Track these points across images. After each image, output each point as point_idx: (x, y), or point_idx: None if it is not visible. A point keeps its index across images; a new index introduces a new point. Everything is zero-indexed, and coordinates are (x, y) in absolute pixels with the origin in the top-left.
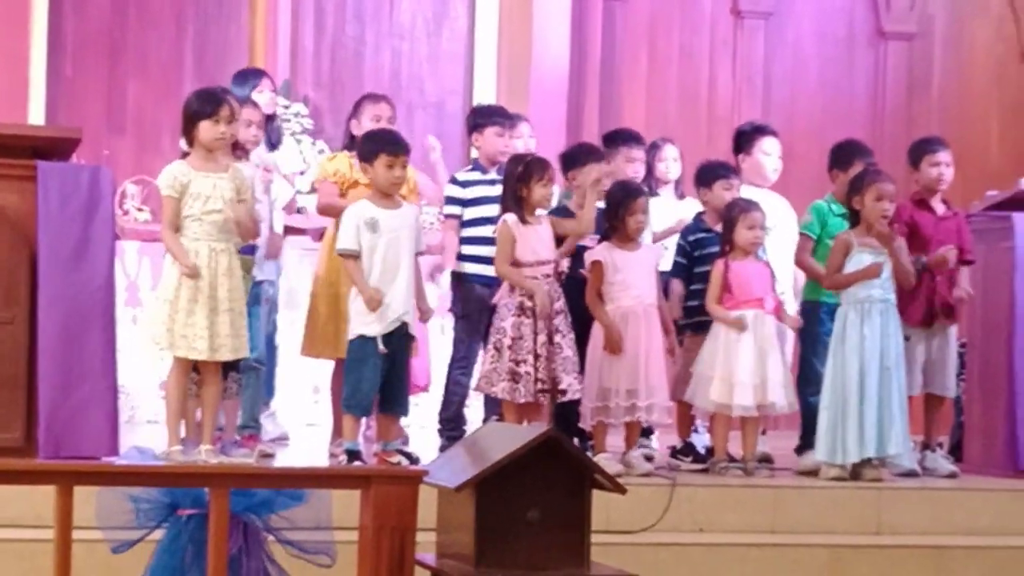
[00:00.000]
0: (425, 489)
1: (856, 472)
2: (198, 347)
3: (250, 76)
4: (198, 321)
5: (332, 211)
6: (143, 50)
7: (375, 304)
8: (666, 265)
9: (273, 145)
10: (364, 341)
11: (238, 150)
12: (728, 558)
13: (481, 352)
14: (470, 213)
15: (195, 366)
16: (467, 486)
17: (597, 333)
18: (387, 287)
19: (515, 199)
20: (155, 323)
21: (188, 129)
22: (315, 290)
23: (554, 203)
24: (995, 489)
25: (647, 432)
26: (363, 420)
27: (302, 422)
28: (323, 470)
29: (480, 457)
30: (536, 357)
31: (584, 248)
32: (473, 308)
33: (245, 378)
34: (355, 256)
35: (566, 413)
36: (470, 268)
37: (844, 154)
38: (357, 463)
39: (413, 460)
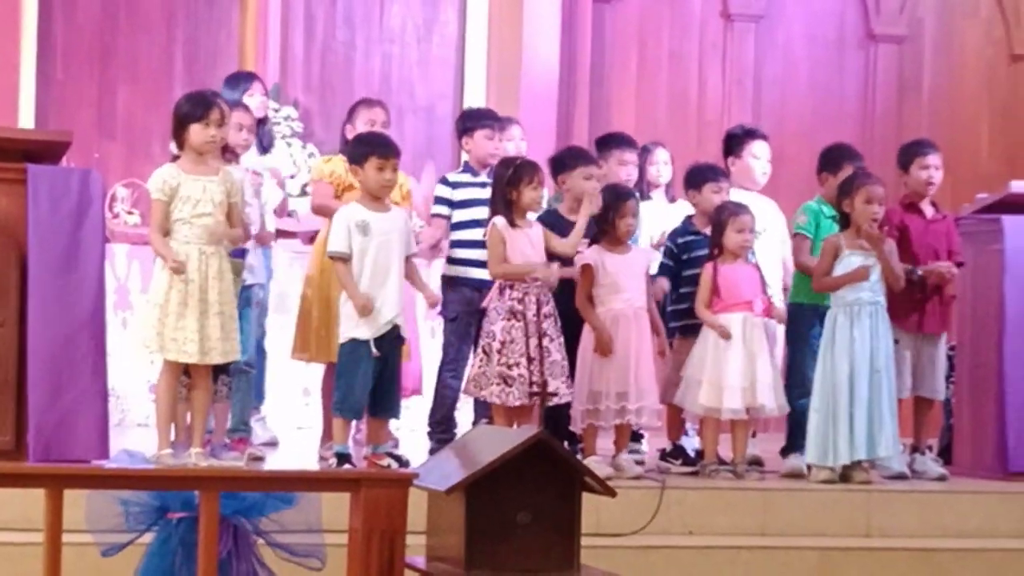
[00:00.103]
0: (415, 492)
1: (846, 475)
2: (188, 350)
3: (241, 80)
4: (188, 324)
5: (326, 212)
6: (133, 54)
7: (366, 312)
8: (653, 268)
9: (265, 148)
10: (356, 344)
11: (228, 153)
12: (718, 560)
13: (471, 355)
14: (459, 215)
15: (185, 369)
16: (457, 489)
17: (587, 336)
18: (378, 290)
19: (504, 202)
20: (145, 326)
21: (178, 132)
22: (307, 293)
23: (544, 206)
24: (984, 491)
25: (637, 436)
26: (353, 423)
27: (292, 425)
28: (313, 473)
29: (470, 460)
30: (529, 360)
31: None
32: (463, 311)
33: (235, 381)
34: (346, 259)
35: (556, 416)
36: (460, 271)
37: (833, 157)
38: (347, 466)
39: (403, 463)
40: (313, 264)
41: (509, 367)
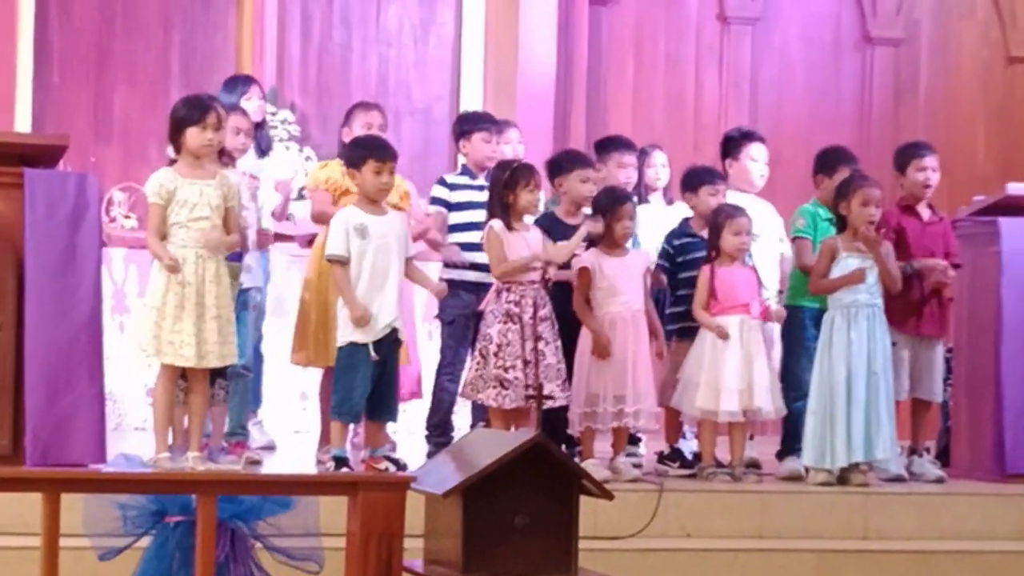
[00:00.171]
0: (412, 495)
1: (843, 477)
2: (185, 354)
3: (239, 83)
4: (185, 328)
5: (326, 218)
6: (130, 57)
7: (363, 323)
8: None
9: (263, 152)
10: (354, 348)
11: (224, 157)
12: (716, 563)
13: (468, 358)
14: (456, 218)
15: (183, 373)
16: (454, 492)
17: (585, 339)
18: (376, 294)
19: (501, 205)
20: (142, 330)
21: (175, 136)
22: (305, 296)
23: (541, 209)
24: (982, 494)
25: (635, 439)
26: (351, 427)
27: (290, 429)
28: (310, 477)
29: (467, 463)
30: (525, 363)
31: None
32: (459, 314)
33: (232, 385)
34: (344, 262)
35: (553, 419)
36: (456, 274)
37: (829, 160)
38: (344, 470)
39: (400, 466)
40: (312, 267)
41: (505, 370)
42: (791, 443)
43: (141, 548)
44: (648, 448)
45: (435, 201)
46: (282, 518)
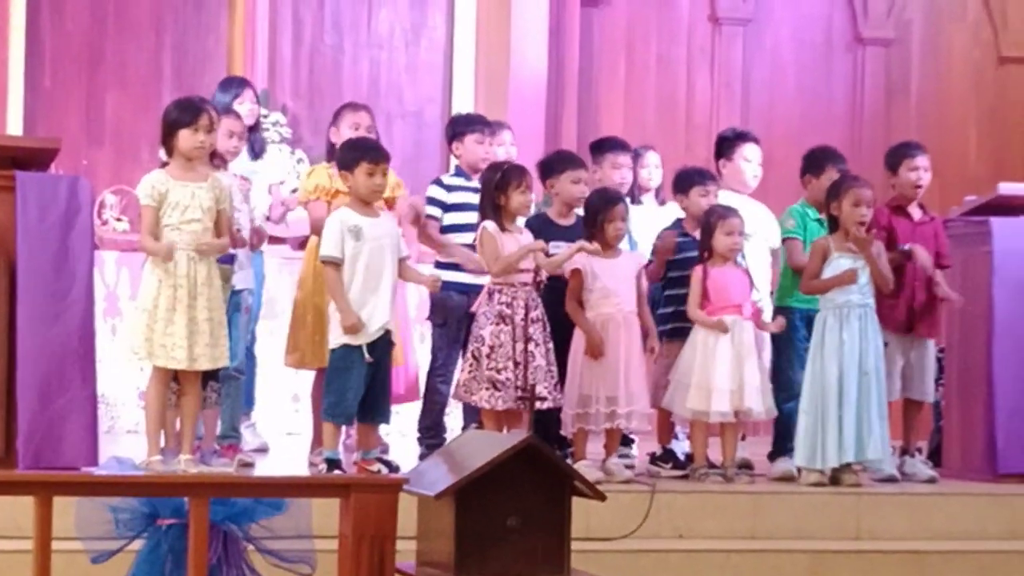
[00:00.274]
0: (405, 497)
1: (835, 477)
2: (177, 356)
3: (233, 85)
4: (177, 331)
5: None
6: (122, 60)
7: (355, 331)
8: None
9: (256, 155)
10: (348, 350)
11: (216, 159)
12: (708, 564)
13: (460, 360)
14: (450, 219)
15: (174, 376)
16: (447, 494)
17: (578, 340)
18: (370, 296)
19: (493, 207)
20: (134, 333)
21: (167, 138)
22: (299, 296)
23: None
24: (974, 494)
25: (627, 441)
26: (343, 429)
27: (282, 431)
28: (303, 479)
29: (460, 465)
30: (516, 364)
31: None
32: (451, 316)
33: (225, 387)
34: (338, 264)
35: (545, 420)
36: (448, 276)
37: (817, 160)
38: (337, 472)
39: (393, 468)
40: (305, 269)
41: (498, 371)
42: (783, 444)
43: (134, 551)
44: (640, 449)
45: (432, 202)
46: (275, 520)
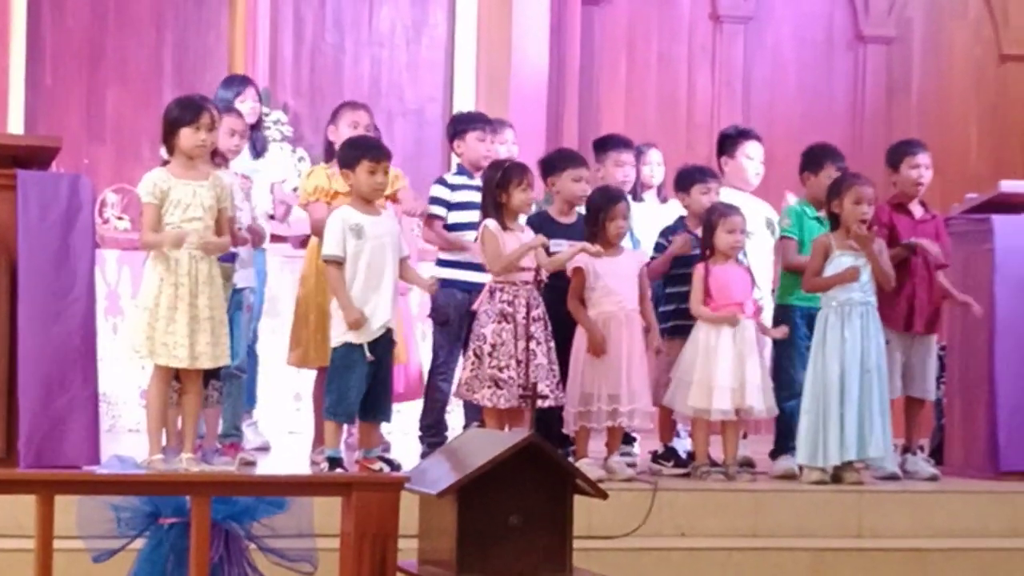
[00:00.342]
0: (407, 496)
1: (837, 475)
2: (179, 355)
3: (235, 83)
4: (179, 329)
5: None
6: (122, 58)
7: (358, 326)
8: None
9: (258, 153)
10: (350, 348)
11: (217, 158)
12: (710, 562)
13: (461, 359)
14: (456, 217)
15: (176, 374)
16: (449, 492)
17: (580, 338)
18: (371, 294)
19: (495, 205)
20: (135, 331)
21: (168, 137)
22: (301, 296)
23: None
24: (976, 491)
25: (629, 439)
26: (344, 427)
27: (284, 430)
28: (304, 477)
29: (461, 463)
30: (518, 363)
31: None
32: (453, 314)
33: (226, 386)
34: (339, 263)
35: (547, 419)
36: (450, 274)
37: (815, 157)
38: (338, 470)
39: (394, 467)
40: (307, 267)
41: (500, 370)
42: (784, 442)
43: (135, 550)
44: (642, 447)
45: (435, 201)
46: (276, 519)
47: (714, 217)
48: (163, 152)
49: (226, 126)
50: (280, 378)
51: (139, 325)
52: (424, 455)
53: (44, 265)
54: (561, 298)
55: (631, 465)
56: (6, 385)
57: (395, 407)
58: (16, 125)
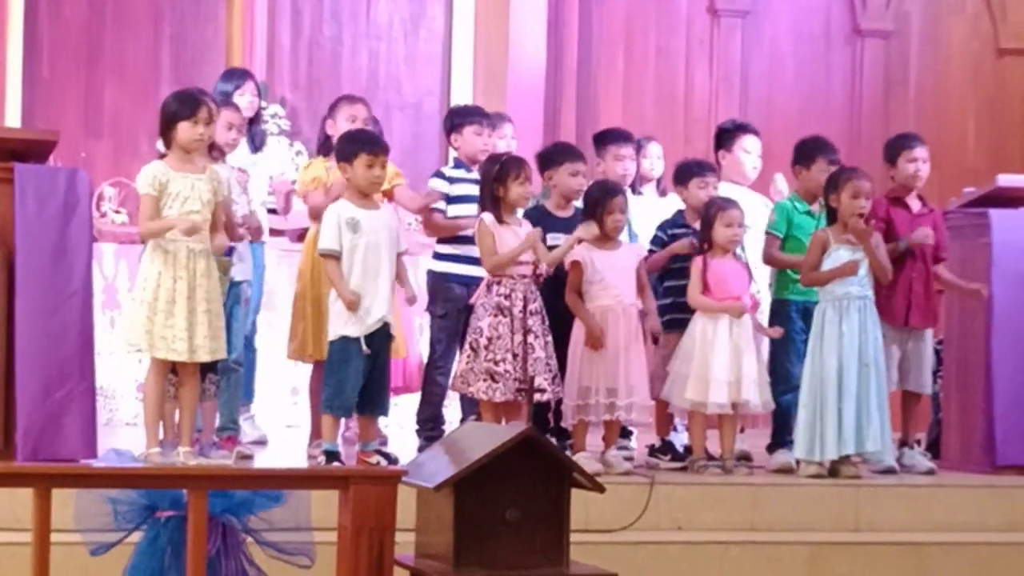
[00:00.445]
0: (404, 489)
1: (834, 469)
2: (177, 348)
3: (235, 76)
4: (177, 323)
5: (323, 211)
6: (120, 52)
7: (354, 308)
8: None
9: (256, 148)
10: (346, 342)
11: (215, 151)
12: (707, 556)
13: (459, 352)
14: (453, 211)
15: (173, 368)
16: (446, 486)
17: (578, 331)
18: (368, 288)
19: (492, 199)
20: (134, 325)
21: (166, 130)
22: (298, 289)
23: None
24: (973, 485)
25: (626, 433)
26: (341, 421)
27: (281, 424)
28: (302, 471)
29: (459, 457)
30: (514, 356)
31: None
32: (451, 308)
33: (223, 379)
34: (336, 256)
35: (544, 412)
36: (448, 267)
37: (807, 150)
38: (336, 464)
39: (392, 460)
40: (304, 260)
41: (496, 363)
42: (781, 436)
43: (132, 543)
44: (639, 441)
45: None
46: (273, 512)
47: (712, 211)
48: (160, 145)
49: (224, 120)
50: (277, 372)
51: (138, 318)
52: (421, 448)
53: (41, 259)
54: (558, 292)
55: (628, 459)
56: (3, 378)
57: (393, 400)
58: (13, 119)
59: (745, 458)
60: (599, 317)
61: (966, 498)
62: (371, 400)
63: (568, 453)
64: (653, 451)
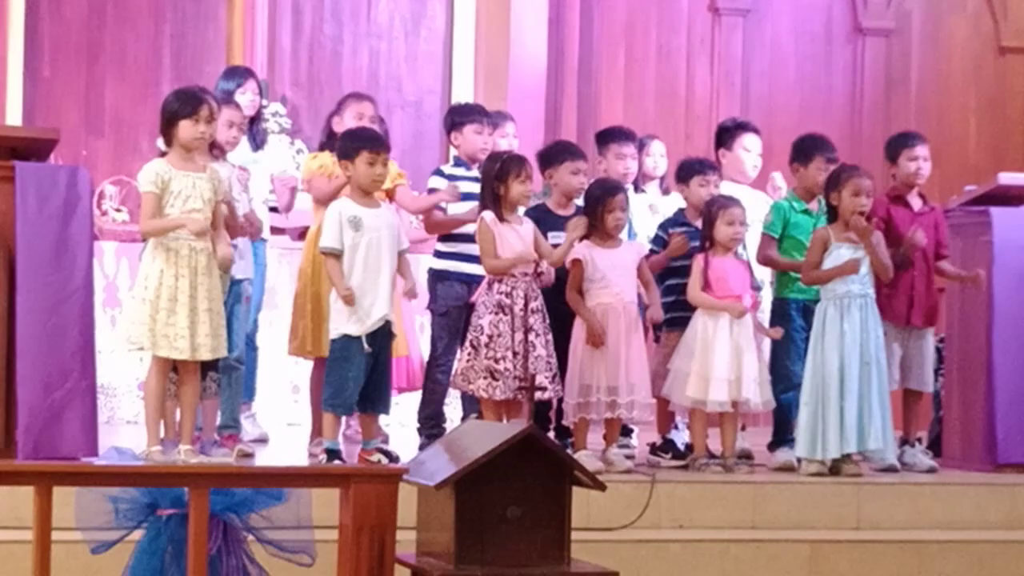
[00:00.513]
0: (405, 487)
1: (835, 467)
2: (179, 346)
3: (237, 74)
4: (179, 321)
5: (329, 197)
6: (120, 50)
7: (349, 302)
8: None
9: (258, 146)
10: (348, 340)
11: (215, 150)
12: (708, 554)
13: (459, 350)
14: (453, 209)
15: (174, 366)
16: (447, 484)
17: (578, 329)
18: (370, 286)
19: (493, 197)
20: (135, 323)
21: (167, 128)
22: (299, 287)
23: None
24: (974, 483)
25: (627, 431)
26: (343, 419)
27: (282, 422)
28: (303, 469)
29: (460, 455)
30: (515, 354)
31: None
32: (452, 306)
33: (224, 378)
34: (337, 254)
35: (545, 411)
36: (449, 265)
37: (804, 149)
38: (337, 462)
39: (393, 459)
40: (305, 257)
41: (496, 361)
42: (782, 434)
43: (133, 541)
44: (640, 439)
45: (434, 192)
46: (274, 511)
47: (714, 209)
48: (160, 143)
49: (224, 118)
50: (278, 370)
51: (140, 316)
52: (422, 447)
53: (42, 257)
54: (558, 291)
55: (629, 457)
56: (4, 376)
57: (394, 398)
58: (14, 117)
59: (746, 456)
60: (600, 315)
61: (967, 496)
62: (372, 398)
63: (569, 451)
64: (654, 449)
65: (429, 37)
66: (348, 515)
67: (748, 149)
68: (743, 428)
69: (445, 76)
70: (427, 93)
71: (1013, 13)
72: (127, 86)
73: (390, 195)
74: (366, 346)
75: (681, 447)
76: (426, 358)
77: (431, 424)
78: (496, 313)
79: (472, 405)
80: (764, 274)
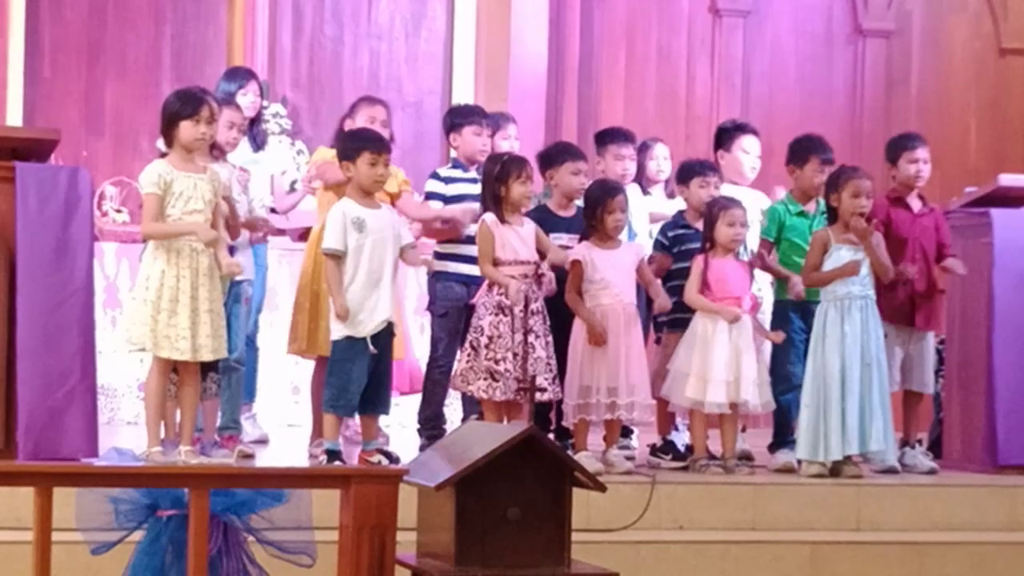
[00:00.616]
0: (405, 488)
1: (836, 469)
2: (180, 347)
3: (239, 76)
4: (181, 322)
5: (341, 183)
6: (121, 51)
7: (343, 318)
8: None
9: (258, 147)
10: (351, 341)
11: (216, 150)
12: (708, 555)
13: (458, 351)
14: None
15: (174, 367)
16: (447, 485)
17: (578, 330)
18: (372, 289)
19: (494, 198)
20: (136, 324)
21: (167, 129)
22: (302, 288)
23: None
24: (974, 485)
25: (627, 432)
26: (343, 420)
27: (282, 422)
28: (303, 470)
29: (460, 456)
30: (515, 356)
31: (564, 247)
32: (452, 307)
33: (225, 378)
34: (339, 256)
35: (546, 412)
36: (449, 267)
37: (800, 149)
38: (337, 463)
39: (393, 460)
40: (308, 255)
41: (496, 362)
42: (783, 435)
43: (134, 542)
44: (640, 440)
45: (431, 196)
46: (275, 511)
47: (715, 210)
48: (160, 144)
49: (225, 119)
50: (279, 371)
51: (141, 317)
52: (423, 448)
53: (43, 258)
54: (558, 291)
55: (629, 458)
56: (5, 377)
57: (394, 399)
58: (15, 117)
59: (746, 457)
60: (599, 316)
61: (967, 498)
62: (373, 399)
63: (569, 452)
64: (654, 450)
65: (429, 38)
66: (348, 516)
67: (747, 151)
68: (743, 429)
69: (445, 77)
70: (427, 94)
71: (1013, 14)
72: (127, 86)
73: (393, 199)
74: (371, 347)
75: (681, 448)
76: (424, 360)
77: (431, 425)
78: (496, 314)
79: (472, 406)
80: (765, 276)
